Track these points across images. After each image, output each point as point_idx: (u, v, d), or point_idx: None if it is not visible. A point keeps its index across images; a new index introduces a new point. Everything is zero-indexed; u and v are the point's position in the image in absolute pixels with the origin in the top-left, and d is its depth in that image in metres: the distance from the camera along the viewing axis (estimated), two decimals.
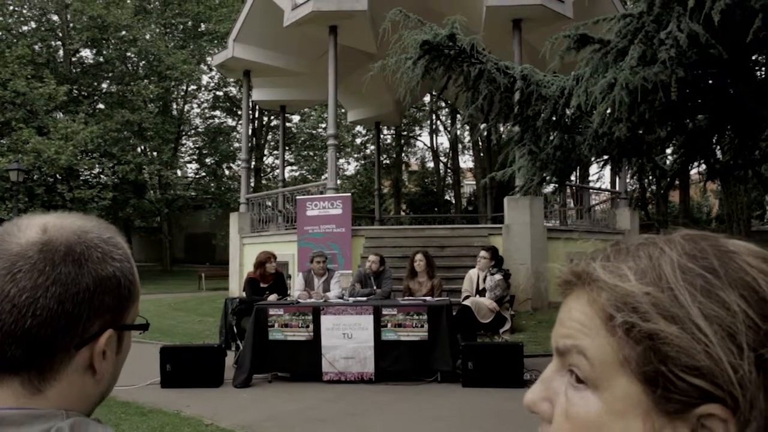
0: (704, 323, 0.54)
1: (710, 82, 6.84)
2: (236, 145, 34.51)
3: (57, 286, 0.75)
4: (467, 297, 8.45)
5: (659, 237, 0.62)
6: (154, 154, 31.70)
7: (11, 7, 28.81)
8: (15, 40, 26.05)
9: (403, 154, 35.96)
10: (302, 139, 34.94)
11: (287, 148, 28.84)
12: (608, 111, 6.25)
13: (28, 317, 0.73)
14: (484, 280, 8.45)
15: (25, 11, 29.42)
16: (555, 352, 0.62)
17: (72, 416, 0.74)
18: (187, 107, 36.31)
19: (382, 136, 28.40)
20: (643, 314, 0.55)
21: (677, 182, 9.16)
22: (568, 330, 0.61)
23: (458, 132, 31.71)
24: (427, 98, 31.01)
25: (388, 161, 34.03)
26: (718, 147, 8.75)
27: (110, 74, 31.31)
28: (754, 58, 6.63)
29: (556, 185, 11.13)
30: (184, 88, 33.99)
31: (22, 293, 0.74)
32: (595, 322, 0.58)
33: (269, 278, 8.59)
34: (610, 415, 0.56)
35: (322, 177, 28.17)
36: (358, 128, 32.48)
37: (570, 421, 0.59)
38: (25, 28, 29.34)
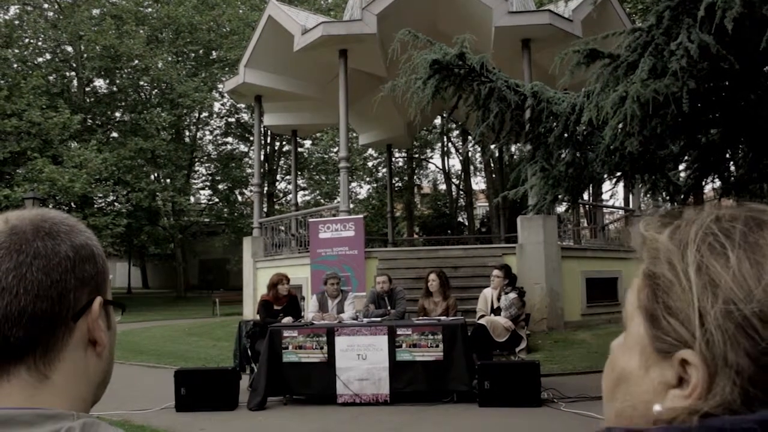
0: (693, 270, 0.57)
1: (722, 94, 6.81)
2: (249, 170, 34.70)
3: (39, 259, 0.76)
4: (482, 316, 8.39)
5: (715, 205, 0.65)
6: (168, 181, 31.93)
7: (27, 40, 29.29)
8: (30, 72, 26.40)
9: (415, 177, 35.96)
10: (314, 163, 35.09)
11: (299, 172, 28.93)
12: (620, 125, 6.22)
13: (21, 295, 0.74)
14: (499, 299, 8.40)
15: (40, 43, 29.90)
16: None
17: (83, 417, 0.73)
18: (199, 134, 36.68)
19: (393, 159, 28.46)
20: (654, 260, 0.61)
21: (691, 199, 9.08)
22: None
23: (470, 153, 31.73)
24: (437, 120, 31.09)
25: (400, 184, 34.05)
26: (732, 162, 8.68)
27: (123, 103, 31.68)
28: (766, 69, 6.60)
29: (569, 204, 11.06)
30: (197, 115, 34.33)
31: (7, 274, 0.74)
32: (637, 277, 0.65)
33: (283, 300, 8.57)
34: (623, 349, 0.64)
35: (335, 201, 28.24)
36: (370, 151, 32.57)
37: (610, 353, 0.68)
38: (40, 59, 29.80)
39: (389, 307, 8.48)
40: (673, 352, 0.57)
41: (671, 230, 0.62)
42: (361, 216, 14.37)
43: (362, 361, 7.43)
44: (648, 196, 10.10)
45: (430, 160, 38.45)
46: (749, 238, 0.58)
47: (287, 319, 8.18)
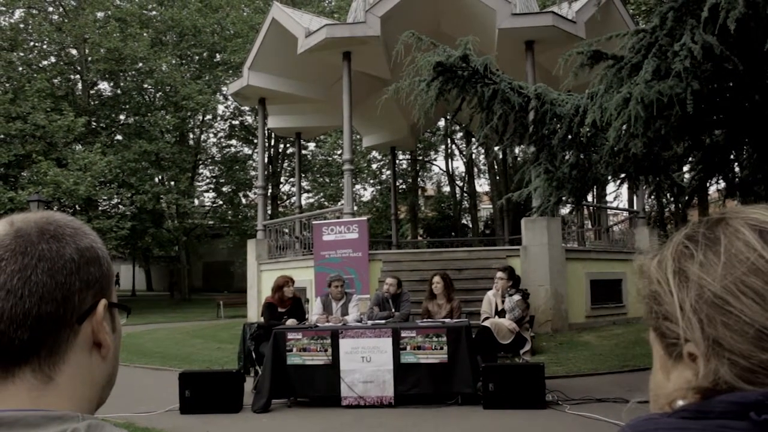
0: (671, 275, 0.66)
1: (726, 95, 6.79)
2: (252, 173, 34.78)
3: (43, 261, 0.76)
4: (486, 318, 8.38)
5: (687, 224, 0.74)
6: (172, 183, 31.98)
7: (32, 43, 29.38)
8: (35, 75, 26.48)
9: (418, 179, 35.96)
10: (318, 165, 35.11)
11: (303, 175, 28.96)
12: (624, 127, 6.21)
13: (26, 297, 0.74)
14: (503, 301, 8.39)
15: (44, 46, 29.98)
16: None
17: (88, 418, 0.74)
18: (203, 137, 36.76)
19: (397, 161, 28.46)
20: (649, 283, 0.70)
21: (696, 200, 9.05)
22: None
23: (473, 155, 31.71)
24: (441, 122, 31.09)
25: (404, 186, 34.05)
26: (737, 163, 8.66)
27: (127, 105, 31.74)
28: None
29: (573, 205, 11.04)
30: (201, 117, 34.38)
31: (12, 277, 0.75)
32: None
33: (287, 303, 8.57)
34: (652, 372, 0.71)
35: (339, 203, 28.24)
36: (374, 154, 32.58)
37: None
38: (44, 62, 29.87)
39: (394, 310, 8.48)
40: (681, 350, 0.64)
41: (658, 257, 0.71)
42: (365, 218, 14.37)
43: (366, 363, 7.43)
44: (652, 197, 10.06)
45: (434, 163, 38.50)
46: (709, 235, 0.66)
47: (291, 322, 8.19)
